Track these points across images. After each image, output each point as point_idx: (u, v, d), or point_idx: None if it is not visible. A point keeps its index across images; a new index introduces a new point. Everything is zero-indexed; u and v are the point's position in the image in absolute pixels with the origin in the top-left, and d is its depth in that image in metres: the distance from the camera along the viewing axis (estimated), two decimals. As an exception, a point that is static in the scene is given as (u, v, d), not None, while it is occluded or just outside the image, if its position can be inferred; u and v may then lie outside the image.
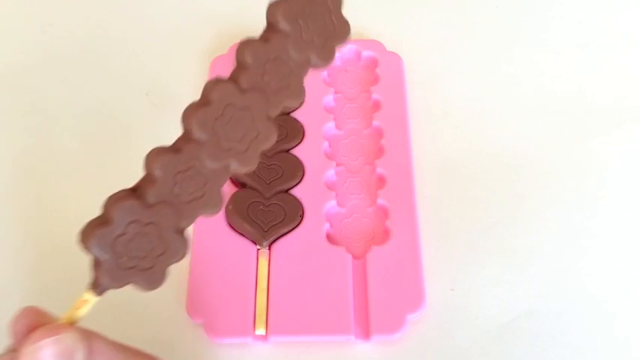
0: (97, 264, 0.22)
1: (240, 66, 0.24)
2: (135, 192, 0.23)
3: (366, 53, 0.43)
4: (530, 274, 0.35)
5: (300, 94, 0.25)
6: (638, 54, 0.44)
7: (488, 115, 0.41)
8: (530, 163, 0.39)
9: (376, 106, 0.40)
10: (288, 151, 0.38)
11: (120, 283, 0.23)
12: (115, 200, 0.22)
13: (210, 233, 0.35)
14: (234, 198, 0.36)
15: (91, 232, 0.22)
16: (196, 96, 0.41)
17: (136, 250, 0.22)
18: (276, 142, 0.37)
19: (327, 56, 0.25)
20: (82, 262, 0.24)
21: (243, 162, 0.24)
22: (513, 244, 0.36)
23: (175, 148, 0.23)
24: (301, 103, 0.25)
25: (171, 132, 0.40)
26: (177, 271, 0.27)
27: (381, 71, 0.42)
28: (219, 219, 0.36)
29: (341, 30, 0.26)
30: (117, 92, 0.42)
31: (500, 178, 0.39)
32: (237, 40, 0.42)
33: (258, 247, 0.35)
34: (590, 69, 0.43)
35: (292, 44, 0.24)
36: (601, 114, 0.41)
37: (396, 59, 0.42)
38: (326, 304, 0.33)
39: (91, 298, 0.23)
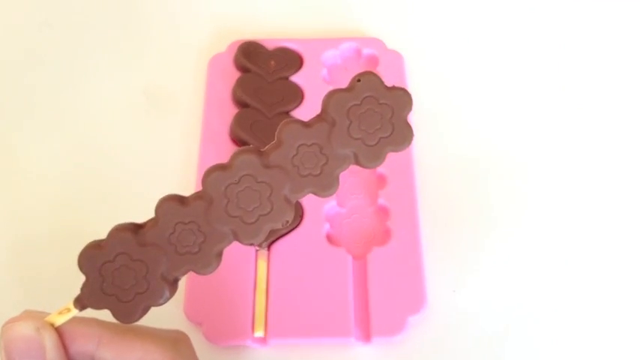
0: (85, 281, 0.24)
1: (276, 142, 0.24)
2: (139, 228, 0.24)
3: (366, 51, 0.42)
4: (532, 275, 0.35)
5: (328, 185, 0.24)
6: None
7: (489, 114, 0.41)
8: (532, 163, 0.39)
9: (377, 104, 0.40)
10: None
11: (97, 305, 0.24)
12: (115, 229, 0.24)
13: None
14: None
15: (85, 252, 0.24)
16: (194, 95, 0.41)
17: (119, 280, 0.23)
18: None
19: (373, 159, 0.24)
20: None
21: (246, 233, 0.24)
22: (515, 245, 0.36)
23: (184, 199, 0.24)
24: (330, 195, 0.25)
25: (167, 130, 0.40)
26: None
27: (381, 69, 0.41)
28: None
29: (399, 136, 0.24)
30: (114, 91, 0.42)
31: (501, 178, 0.38)
32: (236, 39, 0.43)
33: (257, 248, 0.35)
34: (593, 70, 0.43)
35: (336, 137, 0.24)
36: (603, 115, 0.41)
37: (396, 57, 0.42)
38: (326, 306, 0.33)
39: (73, 310, 0.24)
